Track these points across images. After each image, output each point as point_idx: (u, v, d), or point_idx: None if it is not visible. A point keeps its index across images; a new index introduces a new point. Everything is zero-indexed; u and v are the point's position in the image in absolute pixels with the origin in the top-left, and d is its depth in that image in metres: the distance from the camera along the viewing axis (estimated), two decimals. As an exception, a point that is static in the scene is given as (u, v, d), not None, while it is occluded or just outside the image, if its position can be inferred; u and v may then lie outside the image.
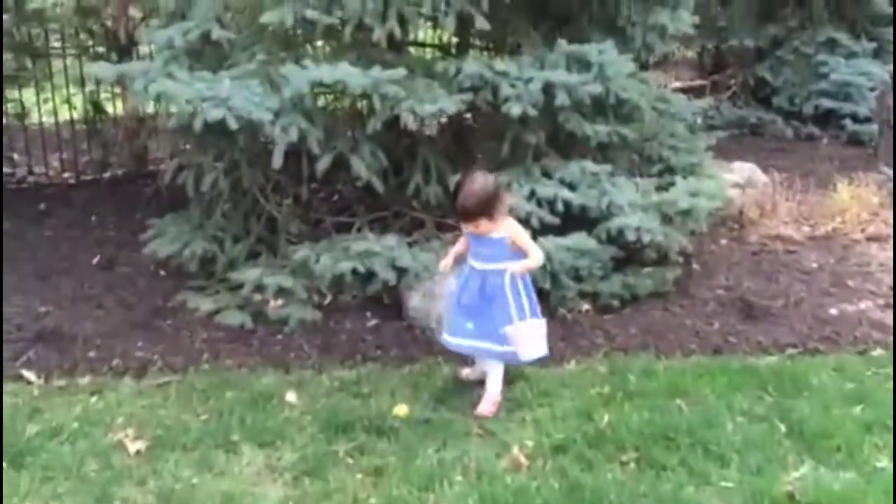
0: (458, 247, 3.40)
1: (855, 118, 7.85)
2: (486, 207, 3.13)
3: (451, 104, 3.91)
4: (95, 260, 4.76)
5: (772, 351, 3.74)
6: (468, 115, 4.66)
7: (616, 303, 4.08)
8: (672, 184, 4.65)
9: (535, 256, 3.23)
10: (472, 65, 4.01)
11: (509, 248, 3.22)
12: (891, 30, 8.29)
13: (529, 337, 3.19)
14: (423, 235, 4.29)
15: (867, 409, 3.16)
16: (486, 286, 3.22)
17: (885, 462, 2.81)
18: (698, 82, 9.91)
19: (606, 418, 3.11)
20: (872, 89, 7.88)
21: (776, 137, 7.96)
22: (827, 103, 7.97)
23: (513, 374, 3.42)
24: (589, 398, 3.30)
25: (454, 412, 3.23)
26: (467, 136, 4.63)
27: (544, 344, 3.27)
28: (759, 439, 2.99)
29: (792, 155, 7.22)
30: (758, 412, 3.19)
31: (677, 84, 9.77)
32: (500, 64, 4.02)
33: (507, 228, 3.21)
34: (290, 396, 3.34)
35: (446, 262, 3.36)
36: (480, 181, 3.15)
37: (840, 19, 8.35)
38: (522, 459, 2.90)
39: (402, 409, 3.21)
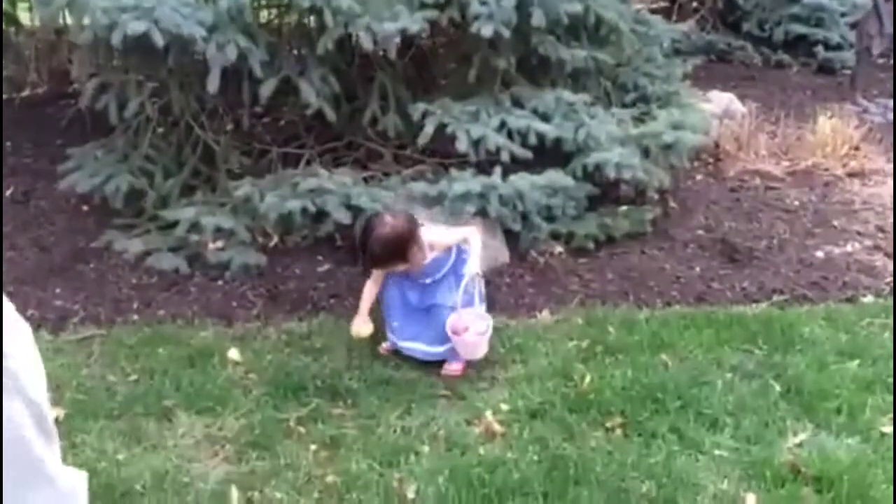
0: (371, 288, 2.98)
1: (826, 45, 7.54)
2: (398, 251, 2.79)
3: (413, 22, 3.46)
4: (9, 192, 4.22)
5: (758, 298, 3.47)
6: (430, 36, 4.19)
7: (591, 245, 3.75)
8: (647, 114, 4.33)
9: (474, 240, 2.93)
10: (438, -23, 3.55)
11: (445, 258, 2.93)
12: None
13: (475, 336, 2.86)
14: (380, 169, 3.88)
15: (864, 366, 2.92)
16: (426, 296, 2.94)
17: (889, 427, 2.58)
18: (662, 4, 9.49)
19: (588, 378, 2.82)
20: (844, 14, 7.57)
21: (745, 64, 7.60)
22: (798, 29, 7.61)
23: (482, 327, 3.09)
24: (567, 353, 3.00)
25: (418, 370, 2.90)
26: (429, 59, 4.18)
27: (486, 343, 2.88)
28: (752, 400, 2.74)
29: (763, 83, 6.89)
30: (748, 368, 2.93)
31: (640, 6, 9.33)
32: (469, -23, 3.55)
33: (432, 248, 2.88)
34: (233, 353, 2.97)
35: (361, 326, 2.93)
36: (390, 223, 2.78)
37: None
38: (496, 427, 2.60)
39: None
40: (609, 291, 3.48)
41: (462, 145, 3.62)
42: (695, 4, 8.60)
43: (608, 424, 2.60)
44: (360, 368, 2.87)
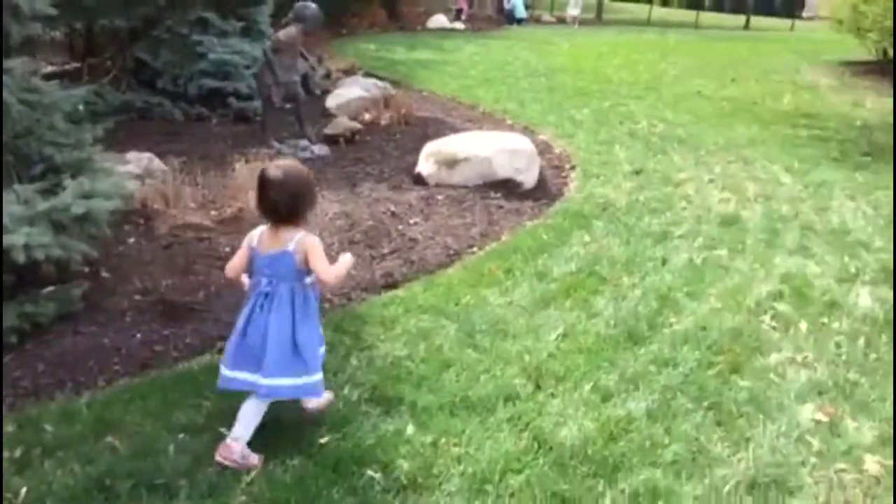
0: (240, 260, 2.84)
1: (238, 96, 8.14)
2: (301, 204, 2.73)
3: None
4: None
5: (202, 350, 3.55)
6: None
7: (15, 339, 3.39)
8: (59, 185, 4.08)
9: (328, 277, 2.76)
10: None
11: (297, 263, 2.71)
12: (256, 10, 8.82)
13: None
14: None
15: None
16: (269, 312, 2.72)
17: (325, 438, 2.88)
18: (72, 66, 9.13)
19: (24, 491, 2.53)
20: (248, 67, 8.27)
21: (167, 121, 7.79)
22: (210, 83, 8.08)
23: None
24: (-2, 470, 2.65)
25: None
26: None
27: None
28: (206, 454, 2.78)
29: (186, 138, 7.14)
30: (200, 423, 2.97)
31: (50, 69, 8.83)
32: None
33: (300, 239, 2.72)
34: None
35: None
36: (290, 171, 2.73)
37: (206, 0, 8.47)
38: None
39: None
40: (43, 385, 3.19)
41: None
42: (108, 64, 8.48)
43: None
44: None
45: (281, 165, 2.78)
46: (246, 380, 2.73)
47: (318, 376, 2.78)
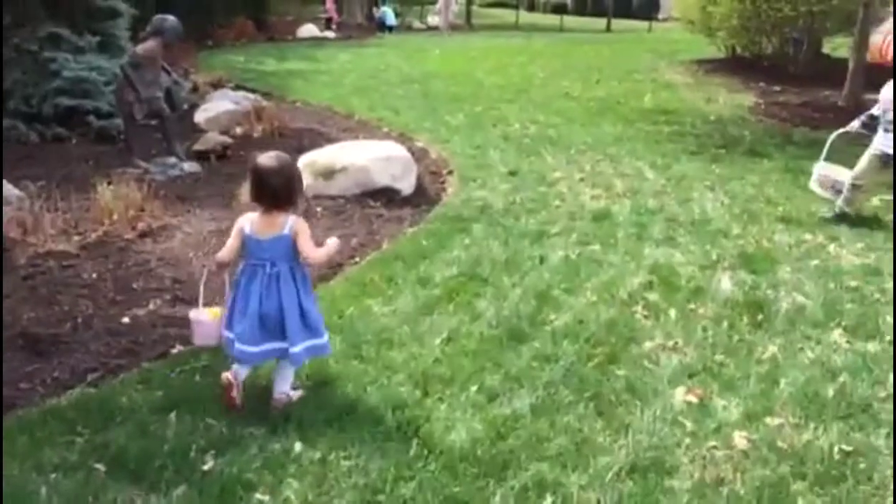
0: (235, 243, 3.09)
1: (98, 114, 7.75)
2: (295, 189, 3.01)
3: None
4: None
5: (72, 383, 3.36)
6: None
7: None
8: None
9: (313, 256, 3.06)
10: None
11: (293, 244, 3.00)
12: (112, 24, 8.44)
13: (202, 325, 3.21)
14: None
15: (184, 413, 3.09)
16: (278, 290, 3.00)
17: (209, 464, 2.79)
18: None
19: None
20: (107, 84, 7.89)
21: (21, 143, 7.32)
22: (67, 101, 7.66)
23: None
24: None
25: None
26: None
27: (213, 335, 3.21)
28: (79, 493, 2.64)
29: (43, 161, 6.75)
30: (72, 460, 2.82)
31: None
32: None
33: (293, 222, 3.02)
34: None
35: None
36: (282, 158, 3.01)
37: (57, 15, 8.03)
38: None
39: None
40: None
41: None
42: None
43: None
44: None
45: (272, 155, 3.04)
46: (276, 348, 3.07)
47: (325, 338, 3.16)
